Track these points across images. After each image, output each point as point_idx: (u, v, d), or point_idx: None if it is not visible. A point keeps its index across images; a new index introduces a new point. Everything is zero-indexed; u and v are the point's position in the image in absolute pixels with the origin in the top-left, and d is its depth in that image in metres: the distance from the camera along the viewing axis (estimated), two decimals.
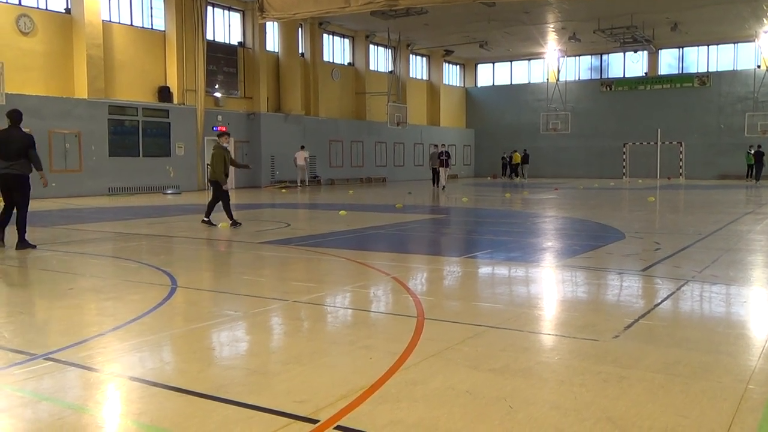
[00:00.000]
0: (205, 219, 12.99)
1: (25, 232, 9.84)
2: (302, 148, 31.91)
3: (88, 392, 3.83)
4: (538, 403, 3.55)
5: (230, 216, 12.80)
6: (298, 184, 31.52)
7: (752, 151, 35.63)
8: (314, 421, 3.28)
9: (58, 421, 3.34)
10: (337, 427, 3.23)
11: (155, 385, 3.87)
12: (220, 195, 12.91)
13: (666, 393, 3.68)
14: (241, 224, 12.70)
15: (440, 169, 28.52)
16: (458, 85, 48.54)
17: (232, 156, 13.66)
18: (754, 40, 37.81)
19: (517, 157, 40.74)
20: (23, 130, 10.14)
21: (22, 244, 9.77)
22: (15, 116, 9.90)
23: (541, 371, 4.10)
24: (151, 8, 27.75)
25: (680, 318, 5.69)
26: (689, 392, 3.68)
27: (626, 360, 4.27)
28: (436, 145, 31.74)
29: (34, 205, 16.95)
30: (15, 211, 9.89)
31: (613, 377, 3.92)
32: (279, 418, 3.33)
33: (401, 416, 3.35)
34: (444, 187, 27.95)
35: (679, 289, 6.63)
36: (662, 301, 6.19)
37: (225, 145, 13.04)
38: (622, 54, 42.27)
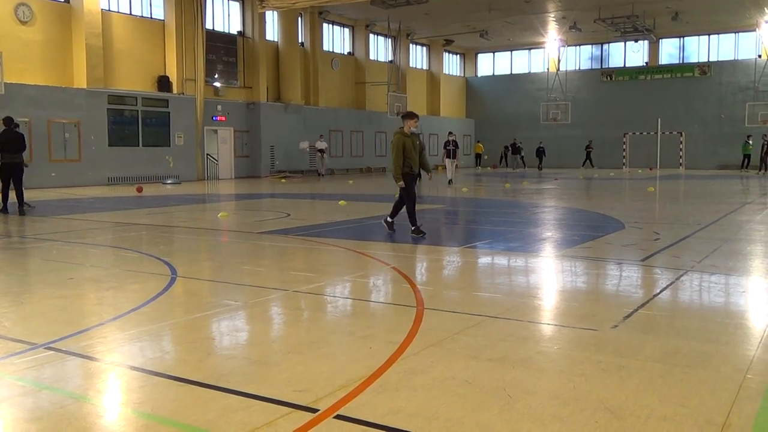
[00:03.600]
0: (389, 220, 10.45)
1: (23, 199, 13.88)
2: (321, 137, 31.99)
3: (89, 381, 3.84)
4: (538, 392, 3.56)
5: (412, 221, 9.99)
6: (321, 173, 31.67)
7: (750, 141, 35.50)
8: (314, 411, 3.29)
9: (59, 410, 3.35)
10: (337, 416, 3.24)
11: (155, 374, 3.88)
12: (403, 194, 10.06)
13: (665, 382, 3.69)
14: (424, 235, 9.83)
15: (446, 160, 25.20)
16: (458, 74, 48.42)
17: (414, 145, 9.91)
18: (755, 30, 37.69)
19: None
20: (16, 130, 14.06)
21: (22, 208, 13.65)
22: (9, 121, 13.88)
23: (541, 361, 4.11)
24: None
25: (679, 308, 5.70)
26: (688, 382, 3.70)
27: (625, 350, 4.28)
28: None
29: (34, 195, 17.19)
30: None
31: (612, 367, 3.93)
32: (279, 408, 3.34)
33: (401, 405, 3.36)
34: (451, 181, 24.49)
35: (678, 279, 6.64)
36: (661, 291, 6.20)
37: (413, 130, 9.97)
38: (622, 43, 42.16)
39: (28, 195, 14.91)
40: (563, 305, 5.75)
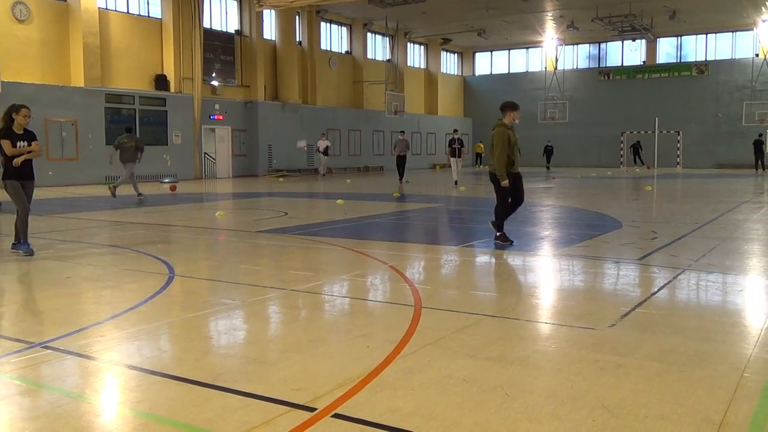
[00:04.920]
0: (498, 233, 9.04)
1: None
2: (323, 136, 31.11)
3: (86, 380, 3.83)
4: (535, 391, 3.56)
5: (499, 224, 9.00)
6: (322, 173, 30.43)
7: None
8: (311, 410, 3.29)
9: (57, 409, 3.35)
10: (335, 415, 3.24)
11: (153, 373, 3.88)
12: (498, 194, 9.00)
13: (662, 381, 3.69)
14: (512, 243, 8.83)
15: (451, 159, 23.68)
16: (456, 73, 48.42)
17: (515, 141, 9.01)
18: (752, 29, 37.72)
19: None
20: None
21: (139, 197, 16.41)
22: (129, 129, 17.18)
23: (538, 360, 4.11)
24: None
25: (677, 307, 5.70)
26: (685, 380, 3.70)
27: (623, 348, 4.28)
28: (402, 132, 27.78)
29: None
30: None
31: (609, 366, 3.94)
32: (276, 406, 3.34)
33: (398, 404, 3.36)
34: (457, 182, 23.07)
35: (675, 278, 6.65)
36: (659, 290, 6.21)
37: (513, 122, 9.08)
38: (620, 42, 42.17)
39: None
40: (561, 304, 5.76)
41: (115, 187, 17.29)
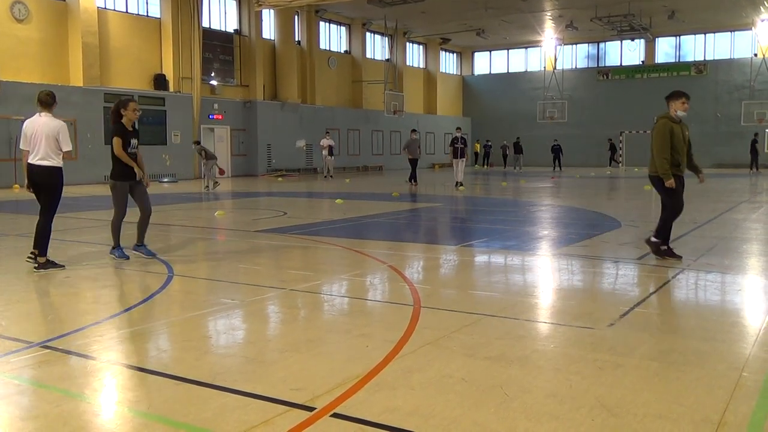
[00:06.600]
0: (663, 248, 7.54)
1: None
2: (327, 134, 30.24)
3: (85, 380, 3.83)
4: (534, 390, 3.56)
5: (665, 236, 7.55)
6: (326, 174, 29.15)
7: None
8: (311, 409, 3.29)
9: (56, 409, 3.35)
10: (334, 415, 3.24)
11: (152, 372, 3.88)
12: (665, 198, 7.48)
13: (661, 380, 3.70)
14: (680, 258, 7.47)
15: (454, 160, 22.32)
16: (455, 73, 48.42)
17: (684, 136, 7.46)
18: (751, 29, 37.74)
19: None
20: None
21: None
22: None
23: (537, 359, 4.11)
24: None
25: (675, 306, 5.71)
26: (684, 380, 3.70)
27: (622, 348, 4.28)
28: (414, 131, 25.28)
29: (29, 194, 17.10)
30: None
31: (608, 365, 3.94)
32: (275, 406, 3.34)
33: (397, 404, 3.36)
34: (459, 183, 21.79)
35: (674, 278, 6.65)
36: (658, 290, 6.21)
37: (679, 113, 7.47)
38: (619, 42, 42.17)
39: (28, 193, 15.09)
40: (560, 303, 5.76)
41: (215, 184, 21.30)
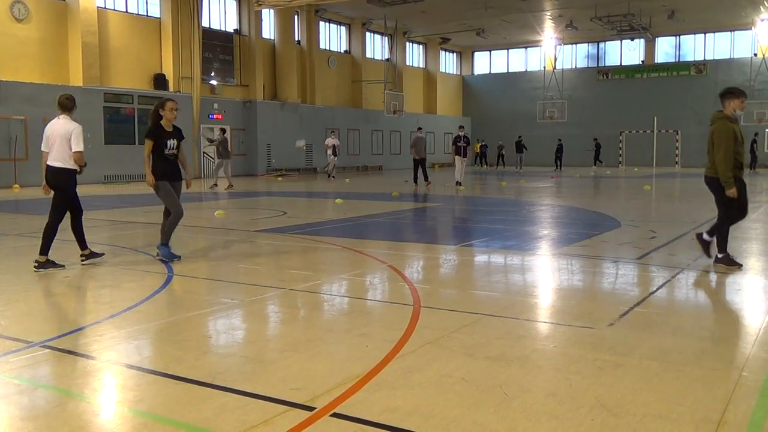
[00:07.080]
0: (719, 256, 7.05)
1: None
2: (332, 133, 29.69)
3: (85, 380, 3.83)
4: (534, 390, 3.56)
5: (722, 245, 7.02)
6: (329, 175, 28.54)
7: None
8: (310, 409, 3.29)
9: (56, 409, 3.35)
10: (334, 415, 3.24)
11: (152, 372, 3.88)
12: (723, 206, 7.15)
13: (661, 380, 3.70)
14: (740, 266, 6.95)
15: (456, 158, 22.01)
16: (455, 73, 48.43)
17: (741, 136, 7.21)
18: (750, 28, 37.76)
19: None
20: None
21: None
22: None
23: (537, 359, 4.11)
24: None
25: (675, 306, 5.71)
26: (684, 379, 3.70)
27: (621, 348, 4.28)
28: (420, 128, 24.53)
29: (30, 192, 17.10)
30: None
31: (608, 365, 3.94)
32: (275, 406, 3.34)
33: (397, 404, 3.36)
34: (459, 183, 21.60)
35: (674, 277, 6.65)
36: (657, 289, 6.21)
37: (737, 112, 7.24)
38: (618, 42, 42.19)
39: (28, 193, 14.97)
40: (559, 303, 5.76)
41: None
